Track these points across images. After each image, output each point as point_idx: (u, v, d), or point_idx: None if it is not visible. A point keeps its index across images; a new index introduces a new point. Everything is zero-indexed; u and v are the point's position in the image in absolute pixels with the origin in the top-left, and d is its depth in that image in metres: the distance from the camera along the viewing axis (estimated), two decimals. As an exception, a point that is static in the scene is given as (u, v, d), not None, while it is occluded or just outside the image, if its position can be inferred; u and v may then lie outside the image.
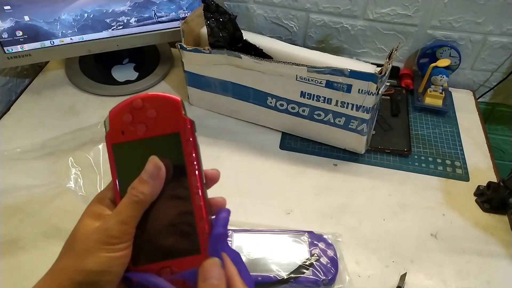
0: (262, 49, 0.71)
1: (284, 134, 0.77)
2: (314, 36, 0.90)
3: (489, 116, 0.98)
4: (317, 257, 0.56)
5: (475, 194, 0.69)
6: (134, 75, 0.86)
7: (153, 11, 0.77)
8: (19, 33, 0.71)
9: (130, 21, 0.77)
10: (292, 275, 0.54)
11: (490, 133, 0.95)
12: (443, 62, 0.81)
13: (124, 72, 0.87)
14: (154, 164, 0.30)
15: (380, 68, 0.61)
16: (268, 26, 0.91)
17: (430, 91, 0.82)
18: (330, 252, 0.57)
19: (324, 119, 0.70)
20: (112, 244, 0.28)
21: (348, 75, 0.62)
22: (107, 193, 0.32)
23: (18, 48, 0.73)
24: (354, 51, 0.91)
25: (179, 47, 0.71)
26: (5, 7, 0.67)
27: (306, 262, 0.55)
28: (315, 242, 0.58)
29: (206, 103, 0.79)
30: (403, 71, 0.89)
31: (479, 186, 0.69)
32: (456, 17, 0.81)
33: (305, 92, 0.67)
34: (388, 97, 0.84)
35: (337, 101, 0.66)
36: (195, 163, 0.31)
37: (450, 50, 0.83)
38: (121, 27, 0.77)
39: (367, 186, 0.69)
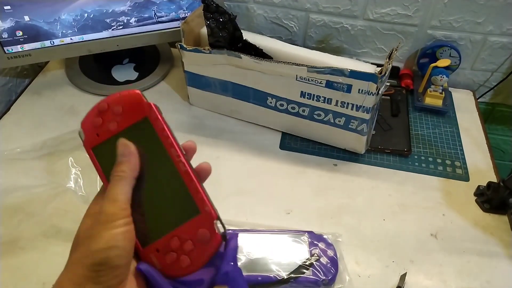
0: (262, 49, 0.71)
1: (284, 134, 0.77)
2: (314, 36, 0.90)
3: (489, 116, 0.98)
4: (317, 257, 0.56)
5: (475, 194, 0.69)
6: (134, 75, 0.86)
7: (153, 11, 0.77)
8: (19, 33, 0.71)
9: (130, 21, 0.77)
10: (292, 275, 0.54)
11: (490, 133, 0.95)
12: (443, 62, 0.82)
13: (124, 72, 0.87)
14: (122, 144, 0.33)
15: (380, 68, 0.61)
16: (268, 26, 0.91)
17: (430, 91, 0.82)
18: (330, 252, 0.57)
19: (324, 119, 0.70)
20: (110, 222, 0.30)
21: (348, 75, 0.62)
22: (102, 194, 0.33)
23: (18, 48, 0.73)
24: (354, 51, 0.91)
25: (179, 47, 0.71)
26: (5, 7, 0.67)
27: (306, 262, 0.55)
28: (315, 242, 0.58)
29: (206, 103, 0.79)
30: (403, 71, 0.89)
31: (479, 186, 0.69)
32: (456, 17, 0.81)
33: (305, 92, 0.67)
34: (388, 97, 0.84)
35: (337, 101, 0.66)
36: (169, 137, 0.33)
37: (450, 50, 0.83)
38: (121, 27, 0.77)
39: (367, 186, 0.69)
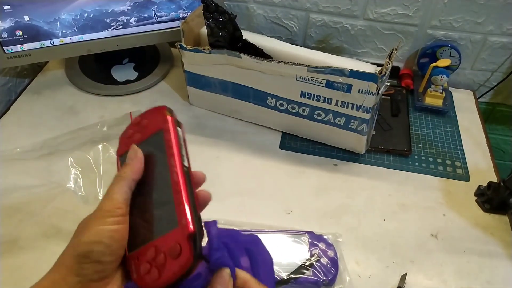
0: (262, 49, 0.71)
1: (284, 134, 0.77)
2: (314, 36, 0.90)
3: (489, 116, 0.98)
4: (317, 258, 0.56)
5: (475, 194, 0.69)
6: (134, 75, 0.86)
7: (153, 11, 0.77)
8: (19, 33, 0.71)
9: (130, 21, 0.77)
10: (292, 276, 0.54)
11: (490, 133, 0.95)
12: (443, 62, 0.81)
13: (124, 72, 0.87)
14: (132, 149, 0.35)
15: (380, 68, 0.61)
16: (268, 26, 0.91)
17: (430, 91, 0.82)
18: (330, 253, 0.57)
19: (324, 119, 0.70)
20: (103, 218, 0.31)
21: (348, 75, 0.61)
22: None
23: (18, 48, 0.72)
24: (354, 51, 0.91)
25: (179, 47, 0.71)
26: (5, 7, 0.67)
27: (306, 262, 0.55)
28: (315, 242, 0.58)
29: (206, 103, 0.79)
30: (403, 71, 0.89)
31: (479, 186, 0.69)
32: (456, 17, 0.81)
33: (305, 92, 0.67)
34: (388, 97, 0.84)
35: (337, 101, 0.66)
36: (173, 147, 0.34)
37: (450, 50, 0.83)
38: (121, 27, 0.77)
39: (367, 186, 0.69)
